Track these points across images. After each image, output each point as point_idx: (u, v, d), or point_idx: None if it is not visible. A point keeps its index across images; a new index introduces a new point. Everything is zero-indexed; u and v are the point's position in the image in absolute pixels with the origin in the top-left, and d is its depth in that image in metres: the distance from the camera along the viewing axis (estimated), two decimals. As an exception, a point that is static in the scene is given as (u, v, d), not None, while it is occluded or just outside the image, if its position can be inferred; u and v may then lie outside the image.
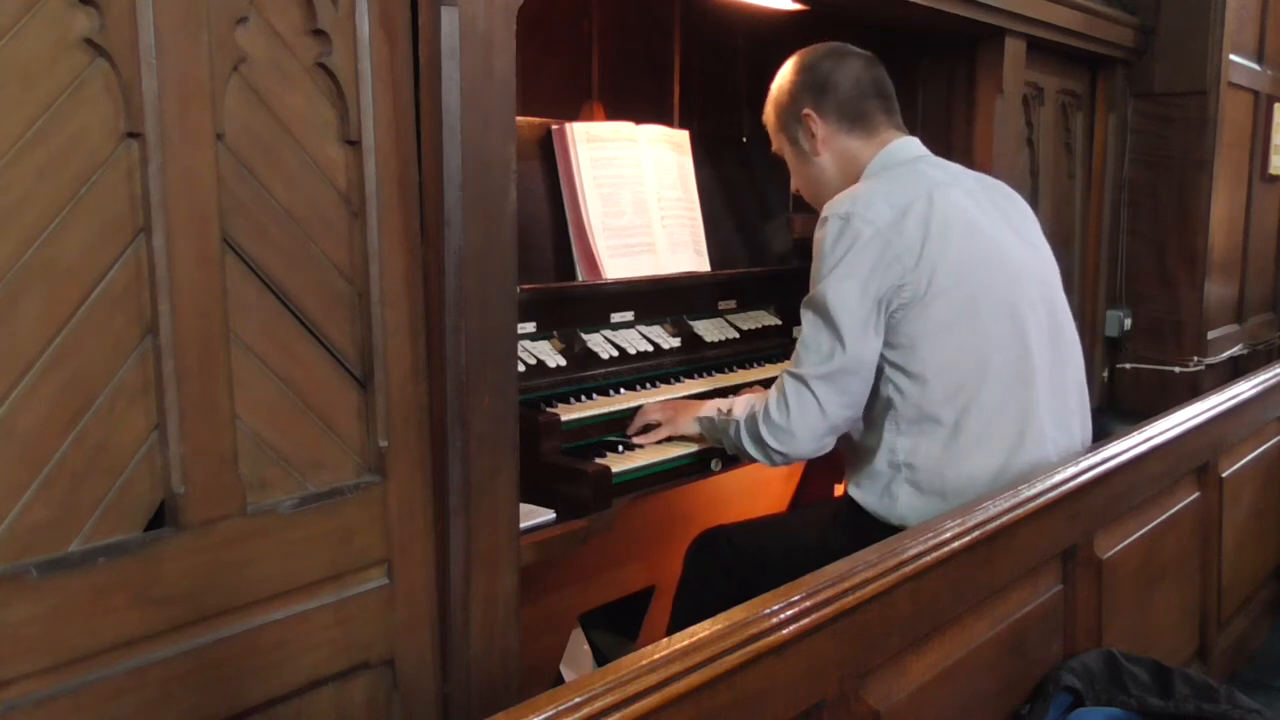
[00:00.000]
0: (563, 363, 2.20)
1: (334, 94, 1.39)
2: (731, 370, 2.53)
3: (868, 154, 2.12)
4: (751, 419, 1.99)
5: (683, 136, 2.66)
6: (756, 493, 2.80)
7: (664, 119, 2.84)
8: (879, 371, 1.96)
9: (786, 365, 2.01)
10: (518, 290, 1.61)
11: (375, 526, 1.45)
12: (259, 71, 1.30)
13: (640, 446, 2.10)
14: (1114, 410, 3.69)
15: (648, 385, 2.33)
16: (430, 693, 1.54)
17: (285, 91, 1.34)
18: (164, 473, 1.24)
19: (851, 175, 2.12)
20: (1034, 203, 3.14)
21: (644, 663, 1.14)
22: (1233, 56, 3.66)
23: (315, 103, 1.37)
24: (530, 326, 2.20)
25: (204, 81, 1.24)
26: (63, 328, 1.15)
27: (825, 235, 1.96)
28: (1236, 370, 3.94)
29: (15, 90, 1.10)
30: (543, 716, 1.04)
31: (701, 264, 2.62)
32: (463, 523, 1.53)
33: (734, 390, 2.30)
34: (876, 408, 2.00)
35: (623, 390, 2.28)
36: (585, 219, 2.37)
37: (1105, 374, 3.76)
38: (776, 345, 2.71)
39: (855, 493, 2.04)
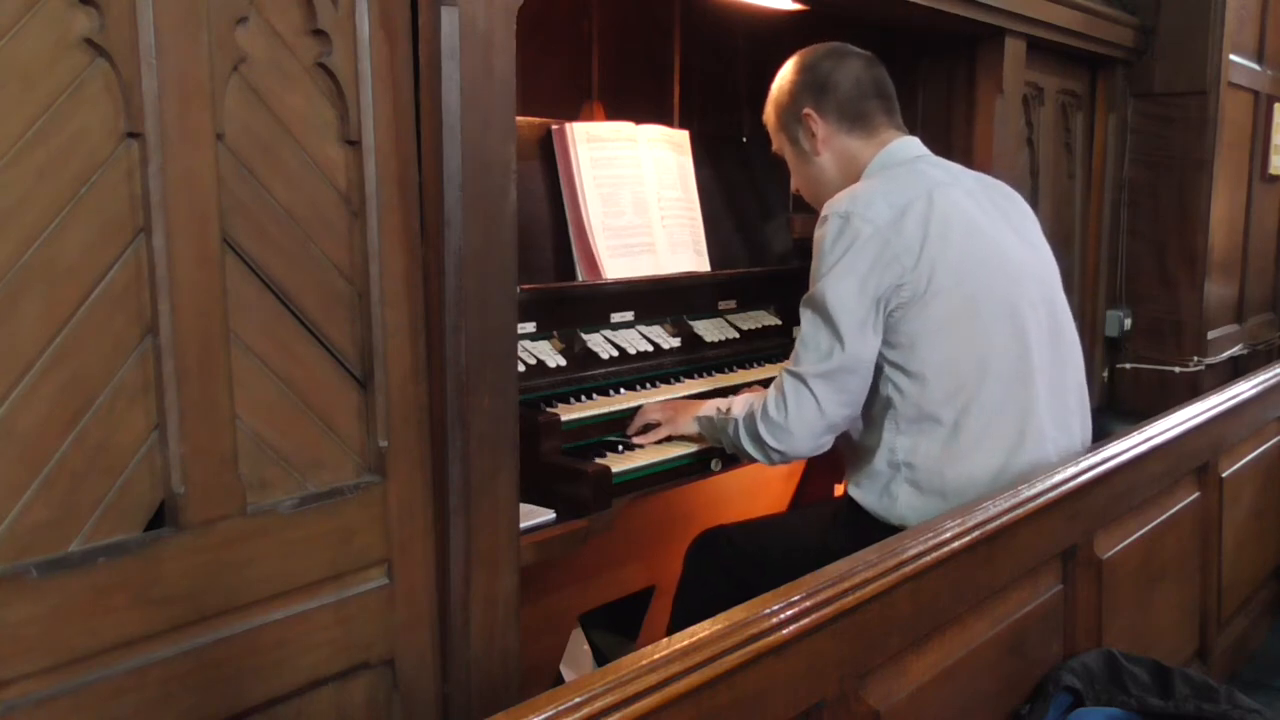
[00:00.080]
0: (563, 363, 2.20)
1: (334, 94, 1.39)
2: (731, 370, 2.53)
3: (868, 154, 2.12)
4: (750, 418, 1.99)
5: (683, 136, 2.66)
6: (756, 493, 2.80)
7: (664, 119, 2.84)
8: (878, 371, 1.96)
9: (786, 364, 2.01)
10: (518, 290, 1.61)
11: (375, 526, 1.45)
12: (259, 71, 1.30)
13: (640, 446, 2.10)
14: (1114, 410, 3.68)
15: (648, 385, 2.33)
16: (430, 693, 1.54)
17: (285, 91, 1.34)
18: (164, 473, 1.24)
19: (852, 175, 2.12)
20: (1034, 203, 3.14)
21: (644, 663, 1.14)
22: (1233, 56, 3.66)
23: (315, 103, 1.37)
24: (530, 326, 2.19)
25: (204, 81, 1.24)
26: (63, 328, 1.15)
27: (825, 234, 1.96)
28: (1236, 370, 3.94)
29: (15, 90, 1.10)
30: (543, 716, 1.04)
31: (701, 264, 2.62)
32: (463, 523, 1.53)
33: (734, 390, 2.29)
34: (876, 407, 2.00)
35: (623, 390, 2.28)
36: (585, 219, 2.37)
37: (1105, 374, 3.76)
38: (776, 345, 2.71)
39: (855, 492, 2.04)
